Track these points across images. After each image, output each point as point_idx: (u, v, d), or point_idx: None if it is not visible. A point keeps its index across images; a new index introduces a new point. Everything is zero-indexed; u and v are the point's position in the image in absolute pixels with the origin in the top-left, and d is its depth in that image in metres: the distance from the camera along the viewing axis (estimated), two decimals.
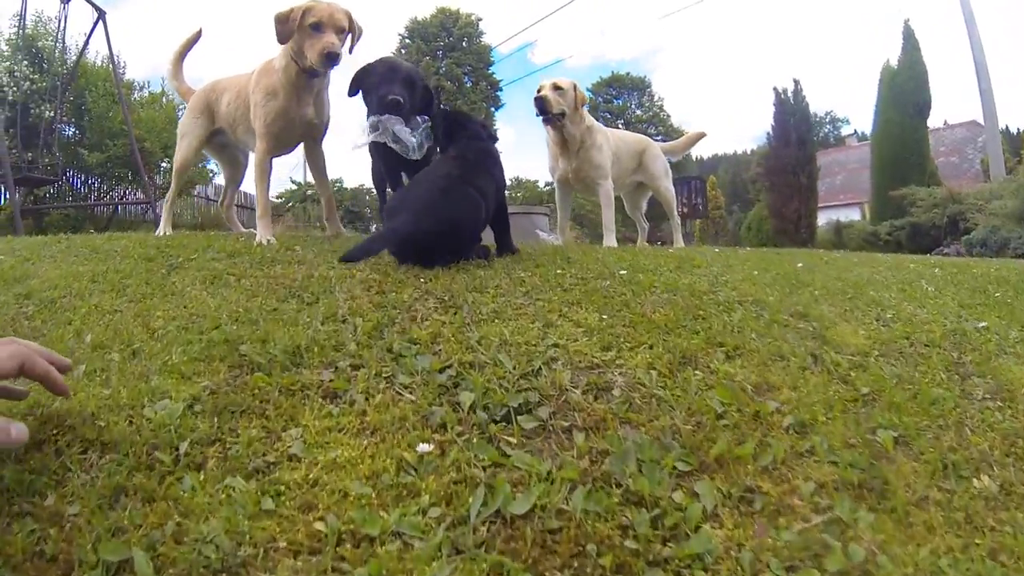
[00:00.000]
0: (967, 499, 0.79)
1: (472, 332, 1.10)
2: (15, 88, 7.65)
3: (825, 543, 0.68)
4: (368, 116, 2.06)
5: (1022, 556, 0.70)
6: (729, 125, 70.95)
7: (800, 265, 2.42)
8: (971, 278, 2.34)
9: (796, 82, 12.74)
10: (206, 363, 0.96)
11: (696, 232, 12.37)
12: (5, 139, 6.69)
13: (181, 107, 7.81)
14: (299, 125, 2.29)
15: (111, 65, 7.54)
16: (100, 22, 6.70)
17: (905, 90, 11.78)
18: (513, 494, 0.70)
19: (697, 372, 1.11)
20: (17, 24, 7.47)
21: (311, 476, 0.70)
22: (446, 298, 1.30)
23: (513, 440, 0.82)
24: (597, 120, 3.18)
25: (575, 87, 2.95)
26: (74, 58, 7.96)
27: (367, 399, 0.86)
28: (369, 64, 2.12)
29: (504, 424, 0.85)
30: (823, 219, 13.21)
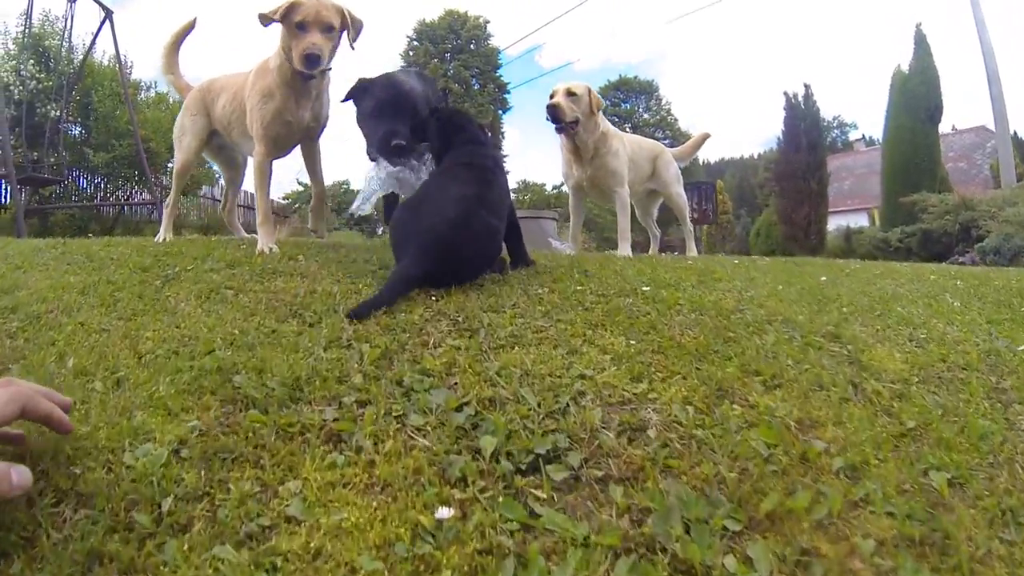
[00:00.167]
0: None
1: (490, 361, 1.00)
2: (21, 87, 7.62)
3: None
4: (368, 151, 1.90)
5: None
6: (736, 129, 70.85)
7: (824, 279, 2.39)
8: (993, 291, 2.31)
9: (807, 87, 12.64)
10: (196, 396, 0.86)
11: (704, 238, 12.22)
12: (11, 138, 6.65)
13: None
14: (297, 128, 2.17)
15: (118, 65, 7.49)
16: (107, 21, 6.65)
17: (916, 95, 11.63)
18: (547, 568, 0.60)
19: (735, 406, 1.03)
20: (24, 23, 7.43)
21: (312, 545, 0.60)
22: (460, 319, 1.20)
23: (542, 495, 0.72)
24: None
25: (589, 91, 2.81)
26: (80, 57, 7.90)
27: (376, 444, 0.76)
28: (368, 81, 1.96)
29: (531, 475, 0.75)
30: (831, 225, 13.07)
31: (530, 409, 0.87)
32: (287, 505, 0.65)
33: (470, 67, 23.81)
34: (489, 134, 1.97)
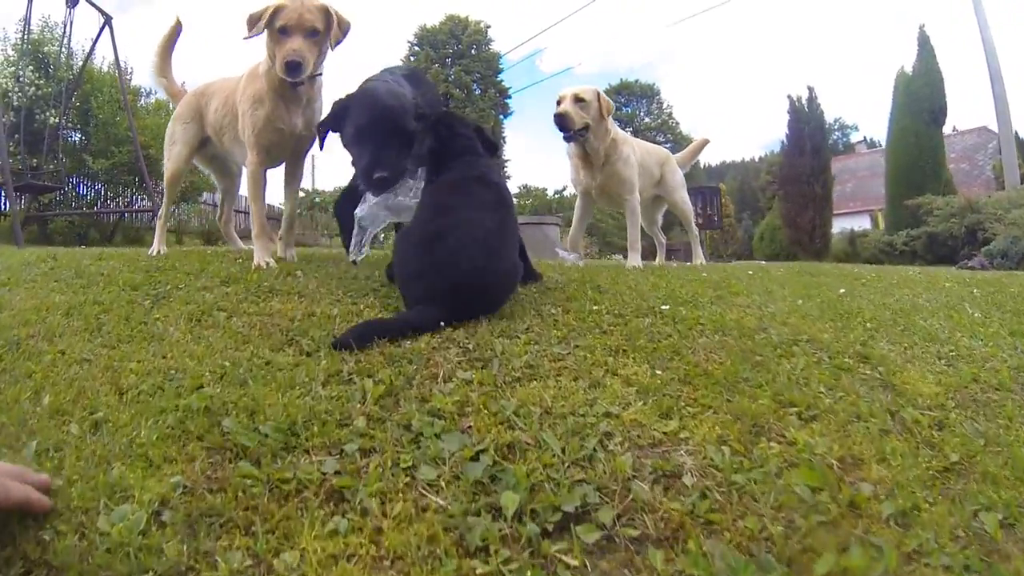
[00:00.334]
0: None
1: (506, 398, 0.90)
2: (20, 93, 7.57)
3: None
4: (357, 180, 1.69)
5: None
6: (737, 131, 70.89)
7: (842, 291, 2.38)
8: (1010, 299, 2.30)
9: (810, 90, 12.56)
10: (180, 444, 0.77)
11: (707, 243, 12.10)
12: (10, 145, 6.58)
13: None
14: (289, 136, 2.06)
15: (117, 71, 7.43)
16: (106, 27, 6.59)
17: (920, 97, 11.56)
18: None
19: (772, 444, 0.97)
20: (23, 29, 7.37)
21: None
22: (470, 346, 1.11)
23: (573, 561, 0.63)
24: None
25: (598, 96, 2.70)
26: (80, 63, 7.84)
27: (382, 504, 0.67)
28: (346, 100, 1.74)
29: (559, 537, 0.66)
30: (835, 228, 12.98)
31: (554, 456, 0.78)
32: None
33: (471, 72, 23.79)
34: (490, 137, 1.71)
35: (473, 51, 24.17)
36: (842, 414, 1.06)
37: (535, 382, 0.98)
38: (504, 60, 24.51)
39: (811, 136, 12.08)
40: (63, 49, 7.64)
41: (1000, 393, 1.23)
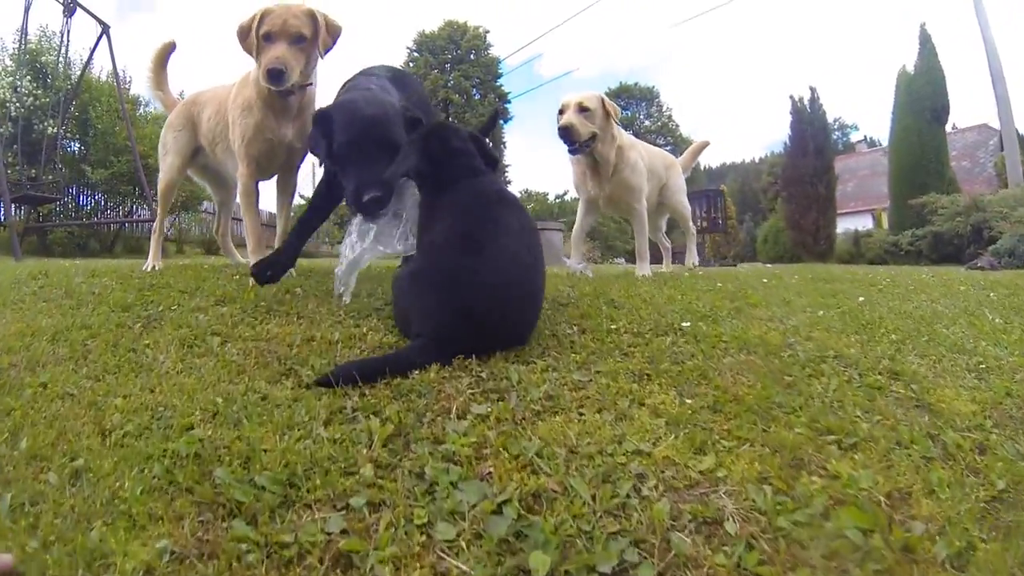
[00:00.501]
0: None
1: (527, 436, 0.82)
2: (18, 103, 7.51)
3: None
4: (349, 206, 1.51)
5: None
6: (737, 133, 70.92)
7: (861, 299, 2.34)
8: None
9: (813, 90, 12.48)
10: (168, 498, 0.69)
11: (709, 245, 11.98)
12: (8, 156, 6.52)
13: None
14: (280, 147, 1.98)
15: (115, 80, 7.36)
16: (104, 36, 6.53)
17: (922, 95, 11.49)
18: None
19: (815, 479, 0.91)
20: (20, 38, 7.32)
21: None
22: (484, 375, 1.03)
23: None
24: None
25: (603, 102, 2.58)
26: (78, 73, 7.79)
27: (397, 572, 0.58)
28: (326, 111, 1.56)
29: None
30: (838, 228, 12.88)
31: (584, 505, 0.70)
32: None
33: (470, 77, 23.79)
34: (490, 150, 1.47)
35: (472, 56, 24.17)
36: (883, 441, 1.00)
37: (557, 416, 0.90)
38: (503, 65, 24.52)
39: (814, 136, 12.00)
40: (61, 59, 7.59)
41: None
